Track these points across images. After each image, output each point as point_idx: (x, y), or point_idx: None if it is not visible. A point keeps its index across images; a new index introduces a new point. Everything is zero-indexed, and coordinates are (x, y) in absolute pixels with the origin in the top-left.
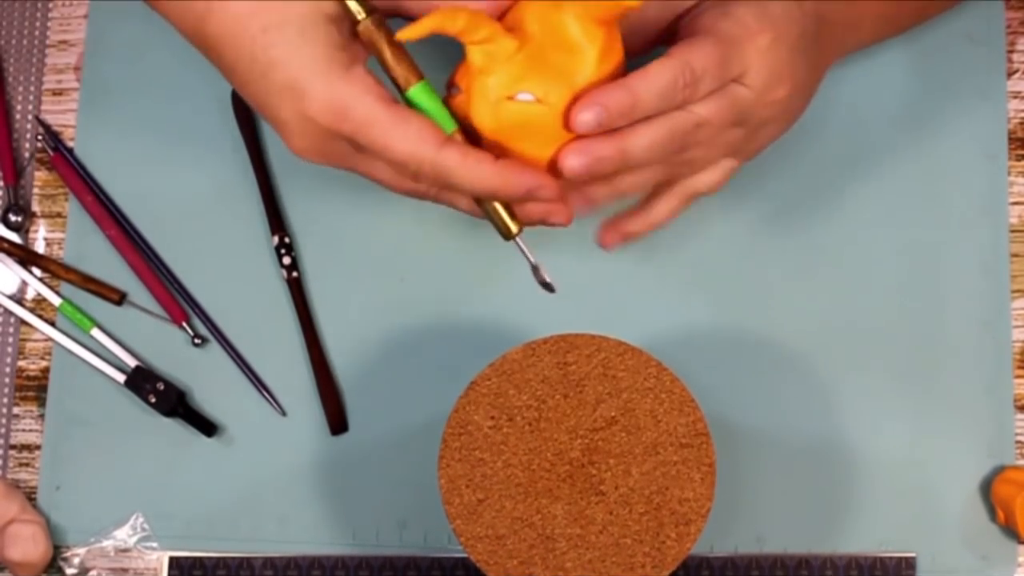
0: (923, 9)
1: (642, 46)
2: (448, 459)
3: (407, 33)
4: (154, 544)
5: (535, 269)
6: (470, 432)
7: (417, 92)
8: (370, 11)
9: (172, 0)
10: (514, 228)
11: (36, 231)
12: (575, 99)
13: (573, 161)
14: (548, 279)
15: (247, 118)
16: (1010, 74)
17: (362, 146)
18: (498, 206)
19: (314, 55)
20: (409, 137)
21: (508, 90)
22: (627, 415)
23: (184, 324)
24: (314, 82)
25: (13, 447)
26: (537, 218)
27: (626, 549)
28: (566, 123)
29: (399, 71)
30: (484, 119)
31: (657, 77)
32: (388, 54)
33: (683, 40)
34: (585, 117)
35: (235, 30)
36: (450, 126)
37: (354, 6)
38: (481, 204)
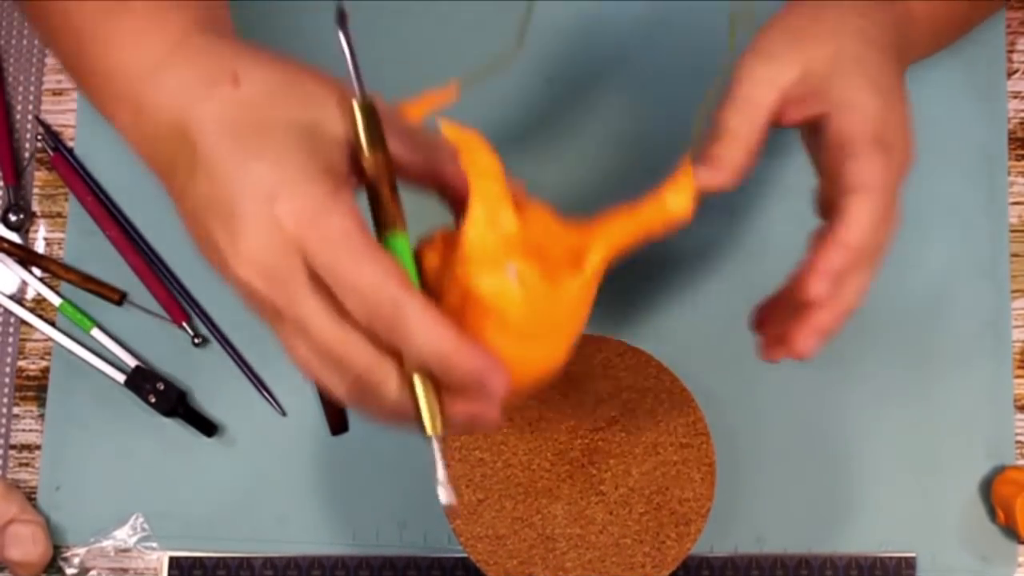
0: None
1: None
2: (448, 459)
3: (424, 106)
4: (154, 544)
5: (440, 483)
6: (470, 432)
7: (397, 240)
8: (381, 147)
9: (179, 72)
10: (438, 427)
11: (36, 231)
12: (554, 303)
13: (809, 347)
14: (447, 498)
15: None
16: (1010, 74)
17: (320, 267)
18: (427, 394)
19: (307, 162)
20: (379, 268)
21: (497, 254)
22: (627, 415)
23: (184, 324)
24: (297, 184)
25: (13, 447)
26: (464, 419)
27: (626, 549)
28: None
29: (387, 213)
30: (460, 275)
31: (868, 223)
32: (383, 193)
33: (848, 158)
34: (819, 289)
35: (233, 117)
36: (415, 281)
37: (364, 139)
38: (411, 385)
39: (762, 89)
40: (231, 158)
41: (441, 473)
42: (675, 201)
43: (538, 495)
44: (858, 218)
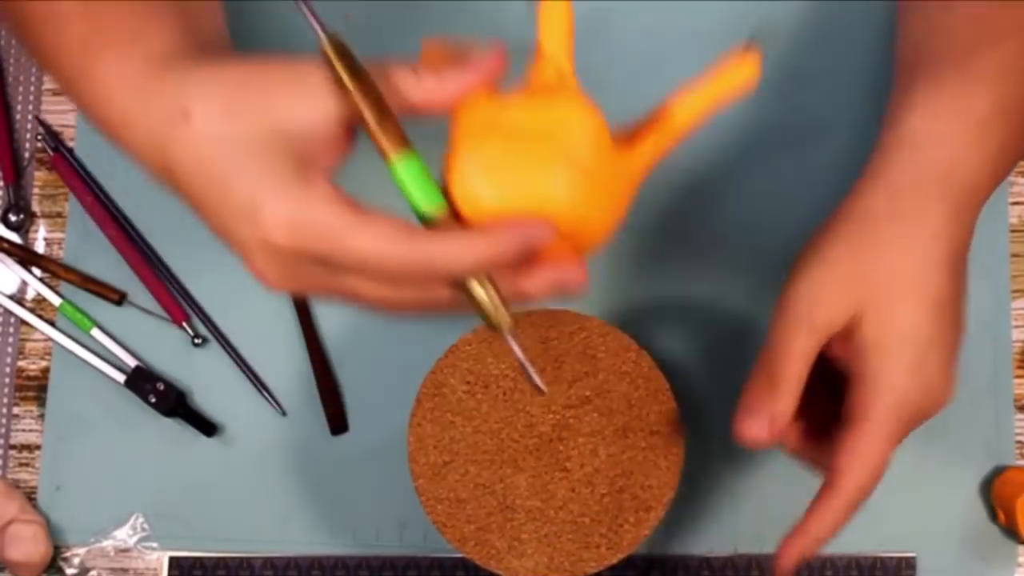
0: None
1: None
2: (420, 418)
3: None
4: (154, 544)
5: (526, 369)
6: (444, 395)
7: (405, 163)
8: (362, 76)
9: (145, 119)
10: (506, 321)
11: (36, 231)
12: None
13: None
14: (539, 382)
15: None
16: None
17: (330, 261)
18: (486, 294)
19: (275, 164)
20: (378, 235)
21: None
22: (601, 396)
23: (184, 324)
24: (268, 199)
25: (13, 447)
26: (548, 286)
27: (583, 528)
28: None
29: (388, 138)
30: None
31: (856, 489)
32: (378, 119)
33: (860, 419)
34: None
35: (203, 154)
36: (436, 199)
37: (343, 72)
38: (468, 293)
39: (811, 342)
40: (211, 193)
41: (527, 364)
42: (744, 72)
43: (503, 464)
44: (847, 487)
